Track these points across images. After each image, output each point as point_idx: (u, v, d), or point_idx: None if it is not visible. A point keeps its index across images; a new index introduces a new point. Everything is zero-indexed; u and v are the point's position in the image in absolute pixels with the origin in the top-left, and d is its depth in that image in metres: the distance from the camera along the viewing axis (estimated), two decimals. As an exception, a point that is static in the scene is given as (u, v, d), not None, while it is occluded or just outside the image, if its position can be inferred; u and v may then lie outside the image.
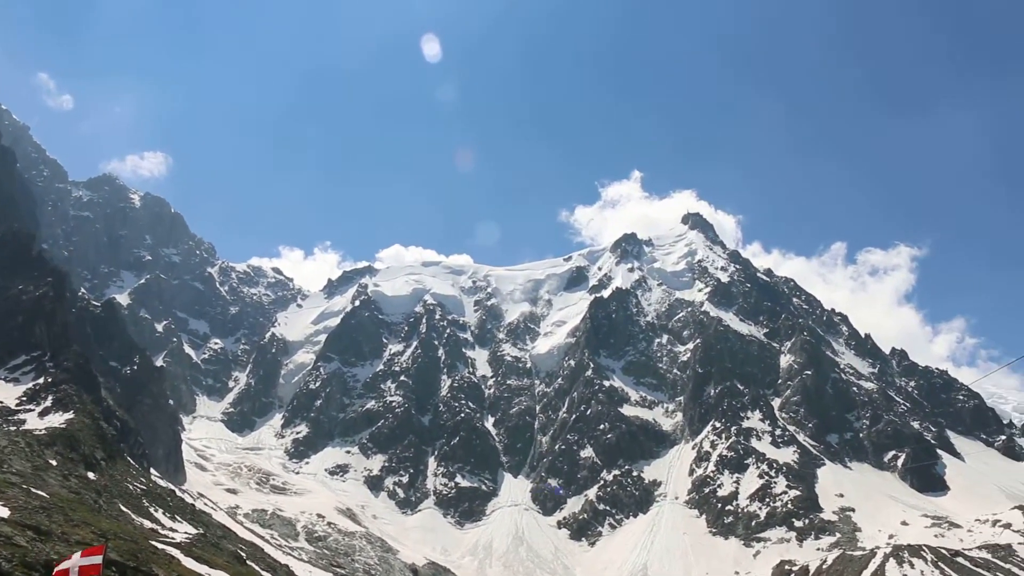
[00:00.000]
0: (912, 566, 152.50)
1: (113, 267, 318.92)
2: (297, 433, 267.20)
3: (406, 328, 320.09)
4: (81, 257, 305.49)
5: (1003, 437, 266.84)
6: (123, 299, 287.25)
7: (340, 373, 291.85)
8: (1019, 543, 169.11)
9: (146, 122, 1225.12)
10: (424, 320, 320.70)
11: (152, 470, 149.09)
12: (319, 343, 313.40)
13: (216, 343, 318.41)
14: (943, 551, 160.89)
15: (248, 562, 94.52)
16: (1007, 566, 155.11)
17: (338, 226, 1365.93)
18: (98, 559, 31.80)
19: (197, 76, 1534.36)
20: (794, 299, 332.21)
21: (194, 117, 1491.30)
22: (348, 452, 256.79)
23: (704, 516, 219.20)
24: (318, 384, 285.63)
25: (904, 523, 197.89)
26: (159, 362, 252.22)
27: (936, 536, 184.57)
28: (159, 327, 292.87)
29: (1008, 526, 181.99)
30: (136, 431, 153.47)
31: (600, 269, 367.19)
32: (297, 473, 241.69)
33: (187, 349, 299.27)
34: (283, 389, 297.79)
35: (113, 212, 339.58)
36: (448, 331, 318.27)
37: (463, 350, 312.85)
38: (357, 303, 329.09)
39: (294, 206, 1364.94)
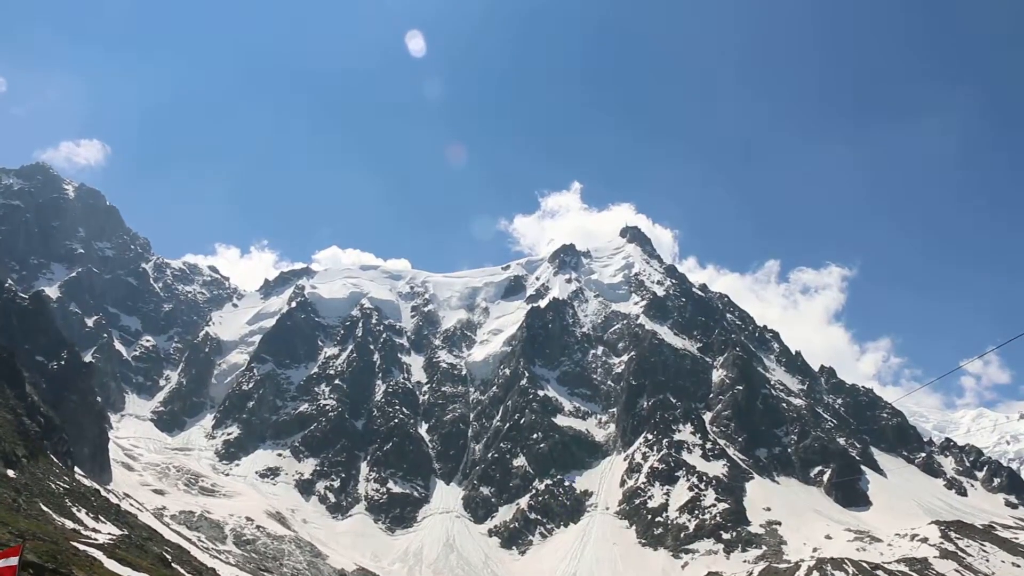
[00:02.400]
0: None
1: (43, 259, 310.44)
2: (228, 434, 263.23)
3: (342, 331, 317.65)
4: (9, 247, 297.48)
5: (923, 454, 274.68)
6: (52, 292, 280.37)
7: (274, 375, 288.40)
8: (935, 557, 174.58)
9: (83, 108, 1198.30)
10: (360, 324, 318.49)
11: (76, 469, 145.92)
12: (253, 344, 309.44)
13: (148, 340, 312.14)
14: (864, 564, 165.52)
15: (173, 565, 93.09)
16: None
17: (275, 225, 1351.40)
18: (14, 560, 31.20)
19: (139, 62, 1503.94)
20: (728, 315, 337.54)
21: (134, 105, 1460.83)
22: (280, 455, 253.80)
23: (634, 527, 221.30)
24: (251, 385, 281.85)
25: (828, 537, 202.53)
26: (88, 358, 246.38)
27: (858, 550, 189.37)
28: (89, 322, 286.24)
29: (925, 540, 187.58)
30: (61, 428, 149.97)
31: (538, 279, 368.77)
32: (227, 475, 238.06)
33: (117, 345, 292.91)
34: (215, 389, 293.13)
35: (45, 202, 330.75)
36: (384, 336, 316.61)
37: (399, 355, 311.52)
38: (293, 304, 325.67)
39: (232, 203, 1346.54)
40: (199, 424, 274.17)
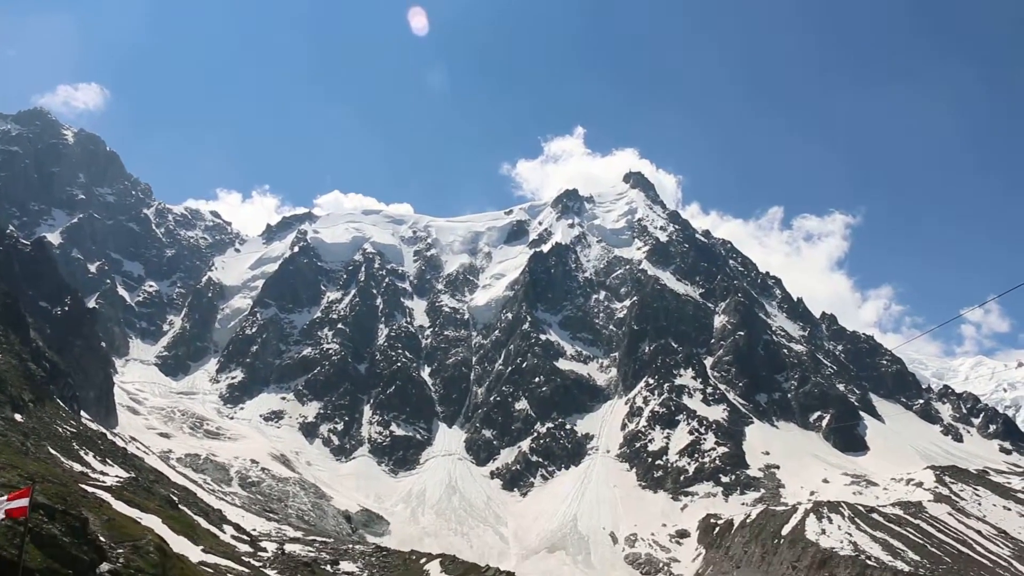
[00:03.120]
0: (831, 521, 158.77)
1: (44, 205, 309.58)
2: (232, 378, 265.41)
3: (345, 276, 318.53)
4: (9, 193, 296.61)
5: (921, 401, 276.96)
6: (54, 238, 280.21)
7: (277, 319, 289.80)
8: (929, 501, 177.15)
9: (80, 50, 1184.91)
10: (363, 268, 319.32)
11: (83, 413, 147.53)
12: (256, 288, 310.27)
13: (151, 286, 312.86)
14: (860, 508, 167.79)
15: (180, 506, 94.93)
16: (917, 522, 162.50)
17: (277, 170, 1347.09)
18: (25, 502, 31.90)
19: (137, 1, 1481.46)
20: (730, 261, 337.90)
21: (132, 47, 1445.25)
22: (283, 398, 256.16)
23: (634, 470, 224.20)
24: (254, 330, 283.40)
25: (825, 480, 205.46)
26: (91, 304, 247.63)
27: (854, 493, 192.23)
28: (92, 268, 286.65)
29: (920, 485, 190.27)
30: (66, 373, 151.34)
31: (540, 224, 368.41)
32: (231, 418, 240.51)
33: (121, 291, 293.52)
34: (219, 334, 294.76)
35: (44, 148, 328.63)
36: (387, 280, 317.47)
37: (401, 299, 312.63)
38: (296, 249, 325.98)
39: (232, 148, 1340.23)
40: (203, 368, 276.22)
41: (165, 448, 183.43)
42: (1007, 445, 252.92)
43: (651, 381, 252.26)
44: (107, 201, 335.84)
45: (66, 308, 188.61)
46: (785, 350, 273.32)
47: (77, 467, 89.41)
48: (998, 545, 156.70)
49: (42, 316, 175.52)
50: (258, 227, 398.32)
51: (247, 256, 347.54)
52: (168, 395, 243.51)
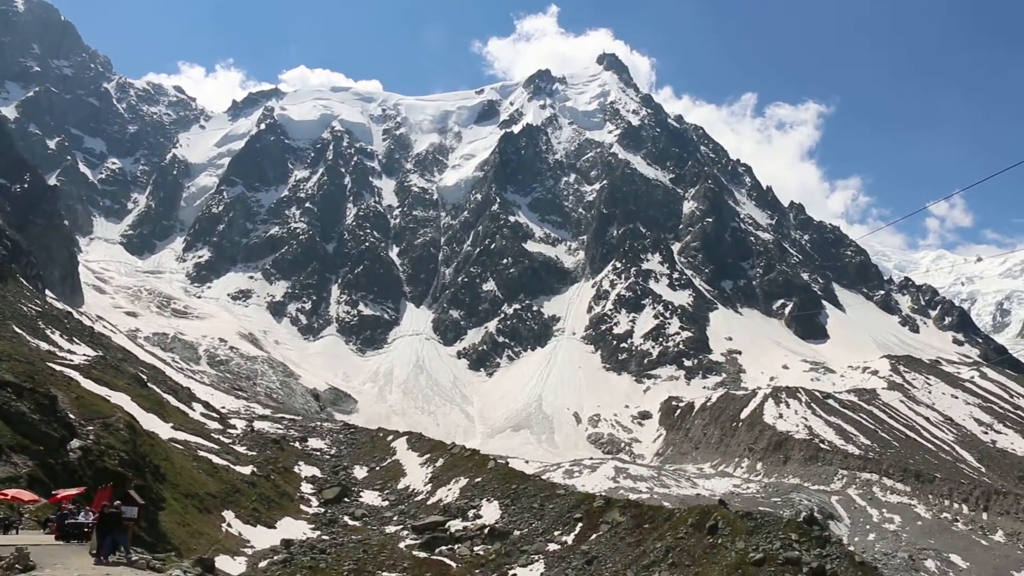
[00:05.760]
0: (788, 406, 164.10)
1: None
2: (199, 257, 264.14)
3: (312, 154, 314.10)
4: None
5: (882, 292, 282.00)
6: (9, 112, 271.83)
7: (244, 198, 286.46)
8: (883, 388, 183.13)
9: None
10: (331, 147, 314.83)
11: (47, 292, 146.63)
12: (222, 166, 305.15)
13: (114, 163, 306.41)
14: (816, 393, 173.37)
15: (149, 384, 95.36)
16: (870, 408, 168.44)
17: (241, 42, 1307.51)
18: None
19: None
20: (702, 147, 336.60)
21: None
22: (251, 278, 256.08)
23: (599, 352, 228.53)
24: (221, 208, 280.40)
25: (785, 367, 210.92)
26: (52, 181, 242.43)
27: (812, 380, 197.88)
28: (51, 144, 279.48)
29: (876, 373, 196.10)
30: (29, 252, 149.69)
31: (512, 104, 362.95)
32: (199, 297, 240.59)
33: (82, 168, 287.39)
34: (184, 212, 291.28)
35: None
36: (355, 159, 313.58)
37: (370, 179, 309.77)
38: (263, 126, 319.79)
39: (194, 18, 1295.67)
40: (169, 247, 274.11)
41: (132, 327, 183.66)
42: (960, 337, 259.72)
43: (618, 265, 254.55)
44: (64, 74, 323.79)
45: (25, 185, 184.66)
46: (752, 238, 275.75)
47: (44, 346, 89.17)
48: (943, 431, 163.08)
49: (0, 194, 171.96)
50: (223, 103, 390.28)
51: (212, 133, 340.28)
52: (134, 274, 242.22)
